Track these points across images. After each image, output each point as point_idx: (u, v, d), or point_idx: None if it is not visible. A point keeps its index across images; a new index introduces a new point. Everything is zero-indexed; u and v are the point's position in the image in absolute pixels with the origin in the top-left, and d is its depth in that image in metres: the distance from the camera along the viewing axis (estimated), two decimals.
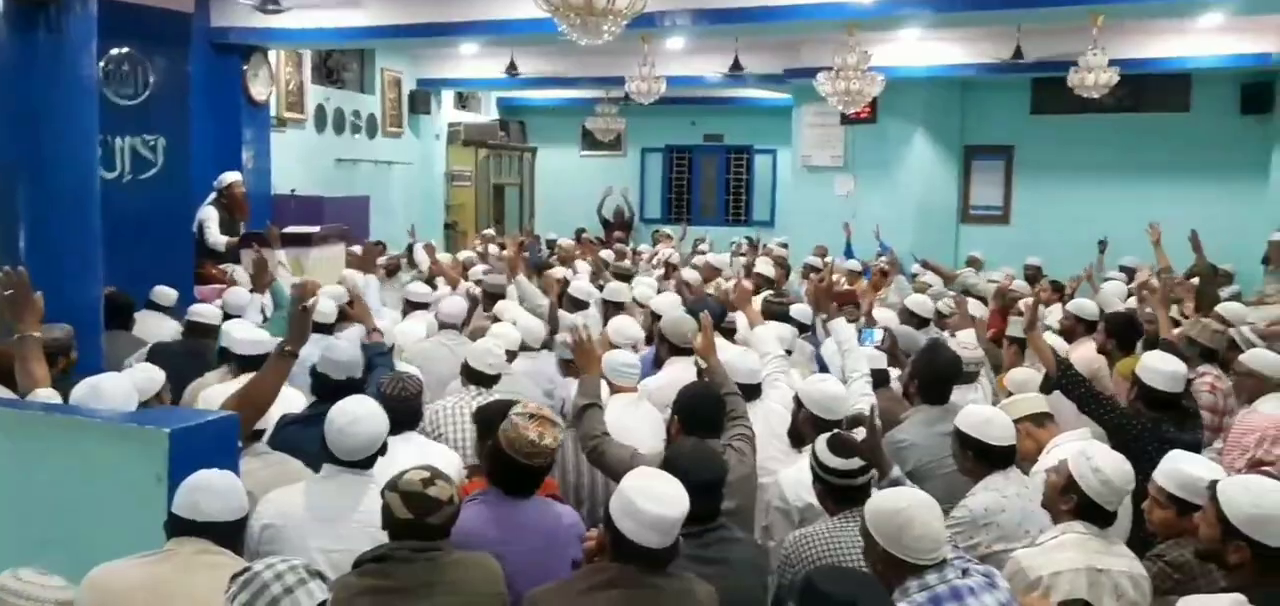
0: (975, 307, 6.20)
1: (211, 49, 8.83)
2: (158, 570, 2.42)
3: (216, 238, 7.89)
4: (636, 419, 3.90)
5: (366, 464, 2.96)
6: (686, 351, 4.49)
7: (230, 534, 2.48)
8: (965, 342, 4.97)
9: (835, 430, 3.06)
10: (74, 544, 2.66)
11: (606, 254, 10.00)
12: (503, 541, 2.71)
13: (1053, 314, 6.64)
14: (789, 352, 5.16)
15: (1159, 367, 3.89)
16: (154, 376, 3.54)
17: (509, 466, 2.82)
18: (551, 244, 11.17)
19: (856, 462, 2.95)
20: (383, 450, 3.00)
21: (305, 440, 3.29)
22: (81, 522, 2.79)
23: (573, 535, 2.89)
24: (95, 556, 2.48)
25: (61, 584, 2.18)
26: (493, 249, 9.84)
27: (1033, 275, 9.23)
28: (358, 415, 2.95)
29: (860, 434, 3.00)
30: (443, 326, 5.55)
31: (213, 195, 8.03)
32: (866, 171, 12.19)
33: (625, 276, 7.51)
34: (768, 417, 3.77)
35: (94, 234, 5.07)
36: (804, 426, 3.58)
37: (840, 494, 2.95)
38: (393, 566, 2.41)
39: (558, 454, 3.55)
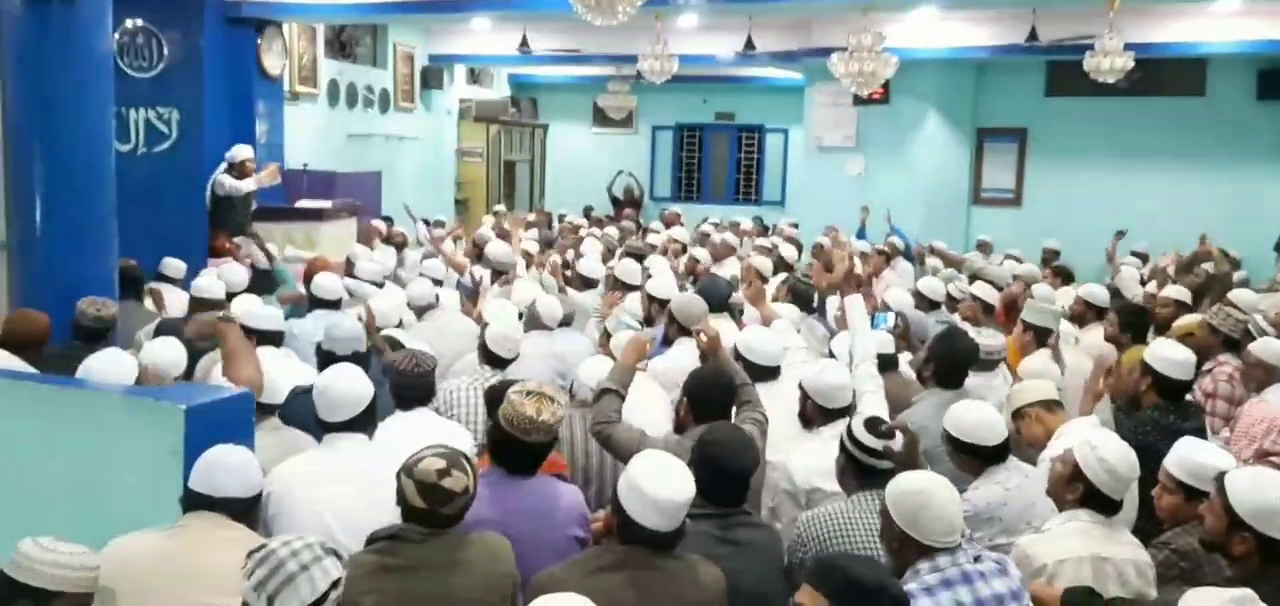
0: (986, 291, 6.16)
1: (225, 22, 8.82)
2: (174, 544, 2.46)
3: (237, 184, 7.83)
4: (644, 399, 3.91)
5: (357, 426, 2.99)
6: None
7: (245, 510, 2.52)
8: (987, 332, 4.93)
9: (876, 423, 3.06)
10: (90, 517, 2.70)
11: (611, 231, 9.98)
12: (499, 521, 2.70)
13: (1062, 297, 6.62)
14: (798, 331, 5.18)
15: (1171, 356, 3.88)
16: (177, 359, 3.57)
17: (509, 444, 2.83)
18: (561, 217, 11.17)
19: (879, 445, 2.97)
20: (371, 412, 3.04)
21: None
22: (97, 496, 2.82)
23: (574, 513, 2.90)
24: (111, 530, 2.52)
25: (84, 551, 2.23)
26: (503, 224, 9.85)
27: (1049, 258, 9.21)
28: (337, 376, 3.07)
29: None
30: (420, 311, 5.53)
31: (224, 165, 8.05)
32: (878, 152, 12.15)
33: (638, 256, 7.51)
34: (784, 400, 3.79)
35: (109, 206, 5.11)
36: (812, 414, 3.60)
37: (864, 470, 2.96)
38: (405, 546, 2.44)
39: (567, 434, 3.61)
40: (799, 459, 3.43)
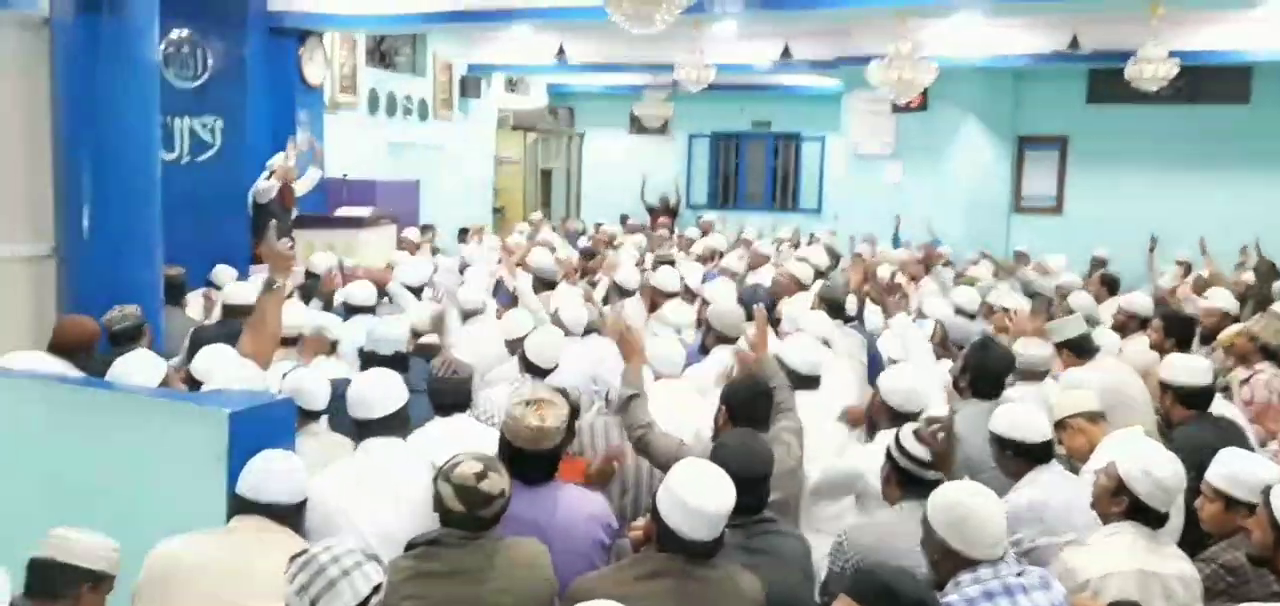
0: (1016, 301, 6.03)
1: (268, 32, 8.95)
2: (220, 546, 2.50)
3: (266, 185, 7.92)
4: (681, 408, 3.89)
5: (390, 430, 3.03)
6: (733, 340, 4.49)
7: (291, 515, 2.56)
8: (1033, 342, 4.83)
9: (927, 420, 3.05)
10: (135, 520, 2.73)
11: (639, 238, 9.98)
12: (523, 528, 2.68)
13: (1107, 309, 6.51)
14: (826, 343, 5.12)
15: (1183, 365, 3.92)
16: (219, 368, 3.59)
17: (520, 455, 2.82)
18: (597, 226, 11.18)
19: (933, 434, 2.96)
20: (403, 415, 3.07)
21: None
22: (142, 500, 2.86)
23: (596, 519, 2.89)
24: (156, 533, 2.56)
25: (107, 539, 2.42)
26: (546, 233, 9.89)
27: (1096, 267, 9.06)
28: (372, 379, 3.15)
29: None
30: (466, 315, 5.58)
31: (265, 174, 8.16)
32: (916, 159, 12.06)
33: (670, 264, 7.50)
34: (821, 409, 3.77)
35: (154, 214, 5.18)
36: (878, 414, 3.59)
37: (909, 479, 2.95)
38: (444, 551, 2.45)
39: (603, 440, 3.61)
40: (862, 454, 3.44)
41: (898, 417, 3.47)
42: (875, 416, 3.62)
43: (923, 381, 3.70)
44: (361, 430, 3.06)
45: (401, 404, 3.08)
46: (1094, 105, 12.23)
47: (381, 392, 3.07)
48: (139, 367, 3.37)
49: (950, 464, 2.95)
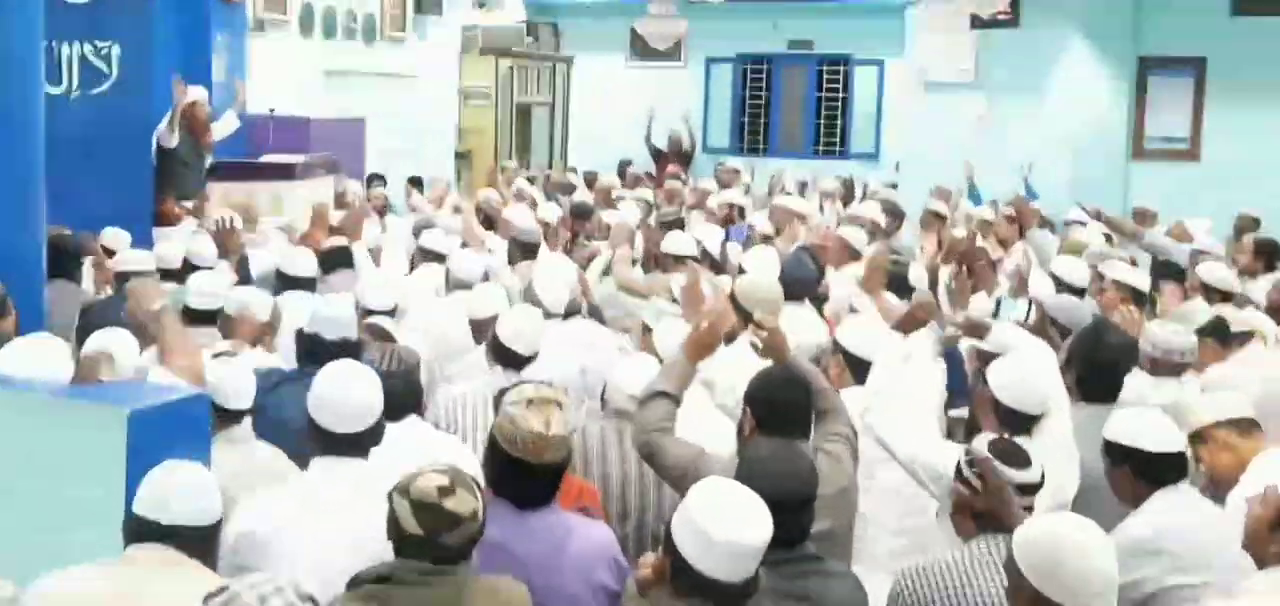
0: (1130, 275, 5.97)
1: None
2: (116, 581, 2.51)
3: (164, 131, 7.94)
4: (697, 409, 3.87)
5: (361, 447, 3.05)
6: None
7: (202, 541, 2.58)
8: (1172, 325, 4.75)
9: (1008, 434, 3.06)
10: (13, 544, 2.78)
11: (645, 192, 10.00)
12: (505, 567, 2.69)
13: (1260, 286, 6.48)
14: None
15: None
16: (128, 352, 3.63)
17: (515, 470, 2.82)
18: (589, 181, 11.18)
19: (1033, 475, 2.95)
20: (380, 430, 3.10)
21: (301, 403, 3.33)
22: (22, 520, 2.89)
23: (602, 556, 2.91)
24: (40, 560, 2.57)
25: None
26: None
27: (1244, 229, 8.95)
28: (348, 377, 3.11)
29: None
30: (456, 286, 5.64)
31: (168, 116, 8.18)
32: (1004, 90, 12.03)
33: (676, 224, 7.50)
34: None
35: (36, 162, 5.18)
36: (982, 411, 3.60)
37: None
38: (396, 590, 2.42)
39: (598, 452, 3.62)
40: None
41: (1010, 419, 3.47)
42: (977, 412, 3.61)
43: (1043, 375, 3.66)
44: (322, 443, 3.05)
45: (378, 418, 3.09)
46: (1242, 17, 12.12)
47: (358, 399, 3.06)
48: (39, 357, 3.36)
49: (1007, 512, 2.89)
